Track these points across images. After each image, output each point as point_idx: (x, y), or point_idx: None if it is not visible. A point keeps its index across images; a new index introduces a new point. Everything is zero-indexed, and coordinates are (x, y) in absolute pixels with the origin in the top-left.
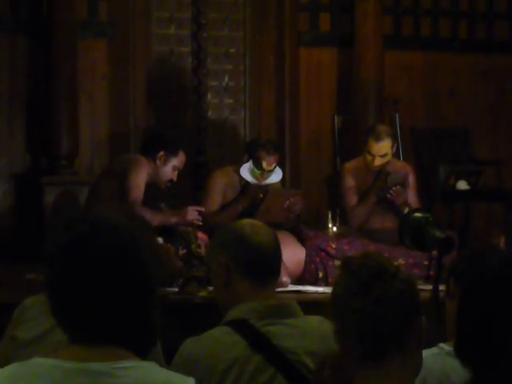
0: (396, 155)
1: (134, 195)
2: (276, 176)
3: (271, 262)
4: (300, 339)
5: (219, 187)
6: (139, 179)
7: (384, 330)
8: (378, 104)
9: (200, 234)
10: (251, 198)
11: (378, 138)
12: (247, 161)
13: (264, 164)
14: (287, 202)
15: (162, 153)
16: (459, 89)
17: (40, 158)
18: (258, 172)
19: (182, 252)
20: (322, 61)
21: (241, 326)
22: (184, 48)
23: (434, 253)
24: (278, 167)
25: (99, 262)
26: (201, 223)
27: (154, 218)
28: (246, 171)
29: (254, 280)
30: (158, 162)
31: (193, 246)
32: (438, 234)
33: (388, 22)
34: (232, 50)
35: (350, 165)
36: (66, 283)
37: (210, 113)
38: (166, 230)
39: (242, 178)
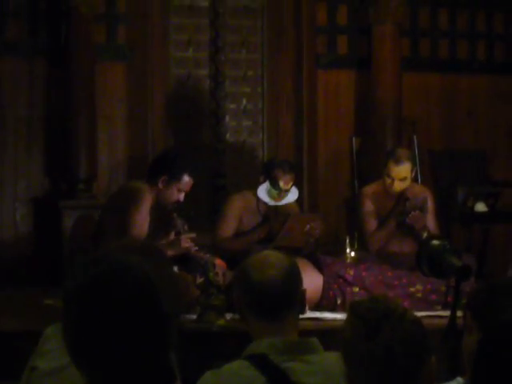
0: (414, 177)
1: (135, 233)
2: (292, 195)
3: (278, 299)
4: (319, 376)
5: (235, 212)
6: (140, 216)
7: (394, 373)
8: (395, 126)
9: (218, 261)
10: (269, 230)
11: (398, 162)
12: (264, 181)
13: (281, 183)
14: (308, 226)
15: (164, 177)
16: (477, 110)
17: (59, 181)
18: (275, 192)
19: (199, 280)
20: (340, 83)
21: (260, 361)
22: (202, 71)
23: (452, 280)
24: (294, 187)
25: (114, 304)
26: (197, 248)
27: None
28: (263, 192)
29: (262, 317)
30: (160, 186)
31: (210, 275)
32: (456, 261)
33: (405, 43)
34: (250, 73)
35: (368, 189)
36: (81, 326)
37: (228, 135)
38: (183, 258)
39: (260, 203)
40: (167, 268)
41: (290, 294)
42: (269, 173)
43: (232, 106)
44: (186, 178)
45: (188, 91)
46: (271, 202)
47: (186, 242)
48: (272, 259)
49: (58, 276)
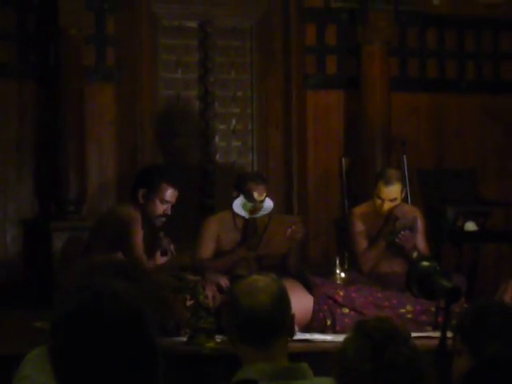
0: (404, 197)
1: (136, 255)
2: (267, 207)
3: (267, 325)
4: None
5: (212, 233)
6: (137, 238)
7: None
8: (385, 145)
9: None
10: (249, 247)
11: (388, 182)
12: (237, 196)
13: (255, 195)
14: (289, 230)
15: (142, 191)
16: (466, 129)
17: (48, 203)
18: (249, 205)
19: (189, 303)
20: (329, 103)
21: None
22: (191, 92)
23: (442, 302)
24: (268, 198)
25: (102, 331)
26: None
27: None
28: (238, 207)
29: (251, 343)
30: (141, 201)
31: (200, 297)
32: (445, 283)
33: (394, 63)
34: (239, 94)
35: (358, 209)
36: (69, 352)
37: (217, 156)
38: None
39: (236, 220)
40: (156, 295)
41: (279, 320)
42: (241, 187)
43: (221, 126)
44: (166, 188)
45: (177, 112)
46: (248, 216)
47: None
48: (261, 284)
49: (48, 298)
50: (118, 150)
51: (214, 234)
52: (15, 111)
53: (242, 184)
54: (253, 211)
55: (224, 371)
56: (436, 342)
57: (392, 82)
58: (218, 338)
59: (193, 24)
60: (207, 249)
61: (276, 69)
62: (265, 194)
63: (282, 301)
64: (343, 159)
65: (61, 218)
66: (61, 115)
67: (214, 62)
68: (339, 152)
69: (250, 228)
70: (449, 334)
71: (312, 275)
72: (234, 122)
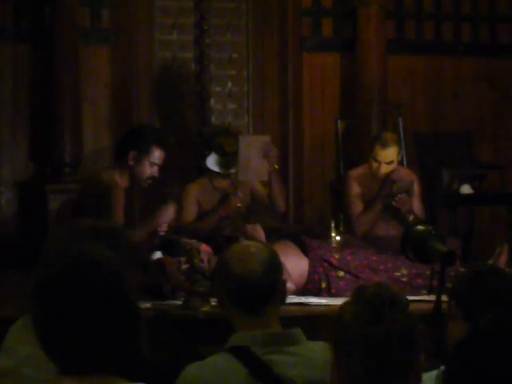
0: (400, 160)
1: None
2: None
3: (258, 292)
4: (302, 368)
5: (191, 198)
6: (118, 205)
7: (387, 363)
8: (381, 108)
9: (204, 247)
10: (229, 206)
11: (385, 145)
12: (209, 154)
13: (226, 148)
14: (263, 149)
15: (132, 153)
16: (462, 92)
17: (44, 165)
18: (222, 159)
19: (184, 266)
20: (325, 66)
21: (242, 354)
22: (187, 54)
23: (437, 265)
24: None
25: (83, 295)
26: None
27: (141, 231)
28: (211, 163)
29: (243, 310)
30: (131, 163)
31: (195, 261)
32: (440, 247)
33: (390, 26)
34: (235, 56)
35: (354, 172)
36: (52, 318)
37: (213, 118)
38: (167, 244)
39: (215, 181)
40: (124, 249)
41: (271, 287)
42: (211, 143)
43: (217, 88)
44: (156, 150)
45: (173, 74)
46: (222, 171)
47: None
48: (252, 250)
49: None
50: (114, 111)
51: (194, 199)
52: (10, 74)
53: (210, 140)
54: (226, 165)
55: (219, 335)
56: (431, 305)
57: (388, 45)
58: (214, 302)
59: None
60: (188, 213)
61: (272, 31)
62: (235, 146)
63: (274, 267)
64: (339, 122)
65: (56, 180)
66: (56, 77)
67: (210, 24)
68: (335, 114)
69: (230, 187)
70: (444, 298)
71: (307, 238)
72: (229, 84)
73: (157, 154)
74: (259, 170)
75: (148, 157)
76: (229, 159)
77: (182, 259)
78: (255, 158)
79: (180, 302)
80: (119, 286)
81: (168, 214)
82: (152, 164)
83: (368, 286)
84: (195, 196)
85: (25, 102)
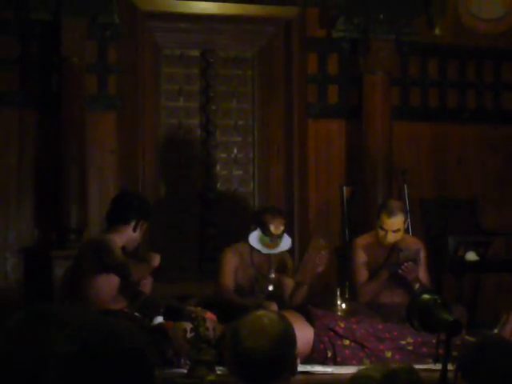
0: (406, 227)
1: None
2: (285, 243)
3: (267, 368)
4: None
5: (233, 265)
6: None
7: None
8: (386, 175)
9: (208, 315)
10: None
11: (391, 214)
12: (254, 229)
13: (272, 228)
14: (319, 255)
15: (141, 222)
16: (467, 159)
17: (49, 231)
18: (266, 238)
19: (190, 335)
20: (331, 132)
21: None
22: (193, 120)
23: (443, 334)
24: (286, 235)
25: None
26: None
27: (137, 274)
28: (254, 240)
29: (245, 382)
30: (137, 230)
31: (201, 330)
32: (446, 316)
33: (396, 93)
34: (241, 122)
35: (361, 240)
36: None
37: (219, 185)
38: (172, 311)
39: (253, 255)
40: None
41: (279, 363)
42: (258, 219)
43: (223, 155)
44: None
45: (179, 141)
46: (264, 250)
47: (157, 258)
48: (266, 323)
49: None
50: (120, 178)
51: (234, 266)
52: (16, 139)
53: (258, 216)
54: (270, 246)
55: None
56: (437, 374)
57: (393, 112)
58: (219, 371)
59: (195, 53)
60: (229, 280)
61: (277, 98)
62: (282, 228)
63: (285, 342)
64: (344, 188)
65: (61, 247)
66: (62, 143)
67: (216, 91)
68: (340, 181)
69: (265, 265)
70: (450, 367)
71: (313, 306)
72: (235, 150)
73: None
74: (310, 275)
75: (145, 224)
76: (273, 240)
77: (186, 325)
78: (313, 261)
79: (185, 371)
80: (140, 361)
81: (157, 260)
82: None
83: (399, 371)
84: (235, 263)
85: (31, 167)
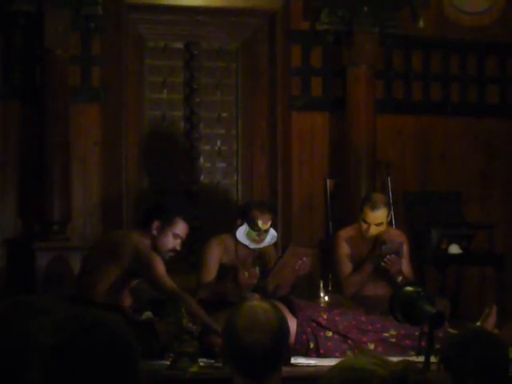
0: (389, 220)
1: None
2: (271, 238)
3: (264, 362)
4: None
5: (215, 257)
6: (162, 267)
7: None
8: (370, 168)
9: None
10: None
11: (374, 207)
12: (241, 224)
13: (260, 223)
14: (299, 262)
15: (156, 223)
16: (451, 152)
17: (32, 223)
18: (253, 233)
19: (172, 326)
20: (314, 125)
21: None
22: (176, 112)
23: (425, 327)
24: (272, 229)
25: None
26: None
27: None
28: (241, 235)
29: (247, 376)
30: (154, 233)
31: (184, 321)
32: (429, 308)
33: (380, 86)
34: (224, 115)
35: (344, 232)
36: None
37: (202, 177)
38: (156, 303)
39: (238, 247)
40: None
41: (277, 356)
42: (246, 214)
43: (206, 147)
44: (180, 222)
45: (162, 133)
46: (251, 245)
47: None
48: (261, 317)
49: None
50: (103, 170)
51: (217, 258)
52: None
53: (246, 211)
54: (256, 240)
55: None
56: (420, 367)
57: (377, 105)
58: (202, 362)
59: (178, 45)
60: (211, 273)
61: (261, 90)
62: (269, 223)
63: (282, 335)
64: (328, 181)
65: (45, 238)
66: (46, 135)
67: (200, 83)
68: (324, 174)
69: (250, 258)
70: (432, 360)
71: (296, 298)
72: (218, 142)
73: (181, 226)
74: (286, 279)
75: (172, 228)
76: (260, 235)
77: (170, 319)
78: (290, 268)
79: (168, 362)
80: (129, 351)
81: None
82: (175, 237)
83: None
84: (218, 254)
85: (13, 159)
